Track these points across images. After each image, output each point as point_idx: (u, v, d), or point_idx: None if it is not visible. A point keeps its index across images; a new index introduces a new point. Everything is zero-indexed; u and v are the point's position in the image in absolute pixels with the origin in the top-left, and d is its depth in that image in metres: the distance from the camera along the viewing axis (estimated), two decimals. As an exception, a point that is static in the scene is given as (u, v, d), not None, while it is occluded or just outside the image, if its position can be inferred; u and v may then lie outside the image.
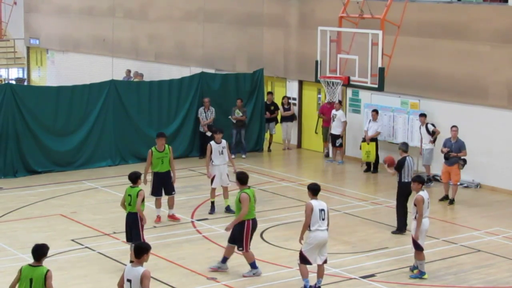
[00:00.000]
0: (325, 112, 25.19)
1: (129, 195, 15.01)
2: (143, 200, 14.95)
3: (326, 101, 24.76)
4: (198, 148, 25.63)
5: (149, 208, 19.28)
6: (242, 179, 14.72)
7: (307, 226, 13.67)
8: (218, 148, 18.75)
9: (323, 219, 13.67)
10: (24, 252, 16.06)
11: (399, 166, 17.36)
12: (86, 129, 23.84)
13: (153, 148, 18.14)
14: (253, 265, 14.73)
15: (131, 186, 15.13)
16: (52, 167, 23.26)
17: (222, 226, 17.99)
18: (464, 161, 20.19)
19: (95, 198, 20.50)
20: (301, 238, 13.89)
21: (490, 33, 21.61)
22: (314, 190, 13.87)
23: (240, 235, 14.50)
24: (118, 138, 24.34)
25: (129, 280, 10.43)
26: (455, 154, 20.09)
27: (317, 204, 13.74)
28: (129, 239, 15.06)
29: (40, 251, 10.76)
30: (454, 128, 20.44)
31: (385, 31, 19.09)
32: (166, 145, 18.27)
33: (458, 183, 20.48)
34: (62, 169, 23.30)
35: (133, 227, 14.91)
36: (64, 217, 18.73)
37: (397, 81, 22.94)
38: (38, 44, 39.37)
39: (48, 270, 10.63)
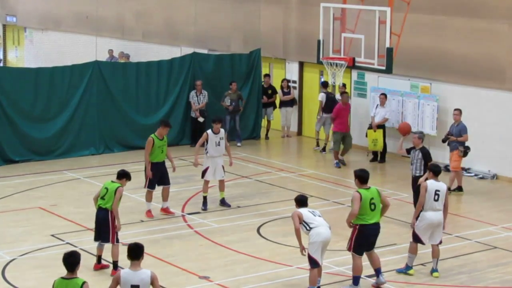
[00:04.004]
0: (340, 115, 23.42)
1: (106, 188, 14.79)
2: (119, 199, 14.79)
3: (341, 101, 23.51)
4: (190, 135, 25.62)
5: (137, 200, 19.28)
6: (361, 176, 14.16)
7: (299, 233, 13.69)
8: (215, 138, 18.60)
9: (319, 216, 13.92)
10: (1, 248, 16.06)
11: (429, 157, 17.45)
12: (67, 115, 23.79)
13: (153, 136, 18.08)
14: (354, 280, 14.12)
15: (112, 180, 14.94)
16: (31, 156, 23.22)
17: (215, 220, 18.04)
18: (466, 147, 20.18)
19: (77, 190, 20.48)
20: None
21: (508, 10, 21.55)
22: (300, 201, 14.05)
23: (349, 239, 14.09)
24: (103, 125, 24.30)
25: (135, 286, 10.43)
26: (454, 138, 20.19)
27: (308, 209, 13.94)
28: (97, 238, 14.87)
29: (72, 260, 10.21)
30: (456, 111, 20.60)
31: (393, 7, 19.04)
32: None
33: (464, 172, 20.64)
34: (41, 158, 23.27)
35: (103, 224, 14.69)
36: (43, 210, 18.71)
37: (407, 63, 22.90)
38: (15, 21, 39.23)
39: (84, 283, 10.12)
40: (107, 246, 14.82)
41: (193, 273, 14.90)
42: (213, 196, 19.22)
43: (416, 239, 14.83)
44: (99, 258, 14.90)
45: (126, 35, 33.33)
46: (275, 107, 27.00)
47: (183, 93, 25.53)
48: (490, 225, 18.00)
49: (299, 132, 27.45)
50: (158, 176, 18.07)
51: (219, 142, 18.61)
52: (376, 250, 15.05)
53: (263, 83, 26.80)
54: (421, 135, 17.86)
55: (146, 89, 25.08)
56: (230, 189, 19.92)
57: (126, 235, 16.24)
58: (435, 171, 14.95)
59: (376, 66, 19.76)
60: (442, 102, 22.78)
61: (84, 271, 14.68)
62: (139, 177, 20.95)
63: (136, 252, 10.58)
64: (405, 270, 14.92)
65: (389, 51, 19.12)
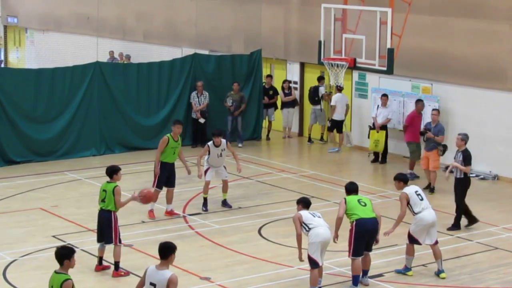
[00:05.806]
0: (413, 123, 22.13)
1: (104, 190, 14.78)
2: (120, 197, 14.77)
3: (415, 109, 22.11)
4: (191, 136, 25.60)
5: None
6: (346, 188, 14.54)
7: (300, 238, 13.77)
8: (217, 151, 18.45)
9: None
10: (2, 249, 16.05)
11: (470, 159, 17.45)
12: (68, 116, 23.77)
13: (169, 136, 18.03)
14: (354, 280, 14.14)
15: (107, 181, 14.93)
16: (32, 156, 23.21)
17: (216, 221, 18.02)
18: (444, 146, 20.30)
19: (78, 191, 20.46)
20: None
21: (509, 11, 21.54)
22: (305, 203, 14.09)
23: (348, 244, 14.18)
24: (104, 125, 24.28)
25: (153, 284, 10.24)
26: (431, 135, 20.23)
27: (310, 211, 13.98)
28: (99, 239, 14.91)
29: (56, 252, 10.37)
30: (434, 111, 20.74)
31: (394, 8, 19.01)
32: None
33: (441, 170, 20.69)
34: (42, 159, 23.26)
35: (105, 226, 14.69)
36: (44, 211, 18.70)
37: (408, 63, 22.88)
38: (16, 22, 39.22)
39: (65, 280, 10.22)
40: (109, 247, 14.81)
41: (194, 274, 14.88)
42: (215, 197, 19.21)
43: (413, 240, 14.86)
44: (100, 259, 14.91)
45: (127, 36, 33.33)
46: (276, 108, 26.99)
47: (184, 94, 25.51)
48: (491, 225, 17.97)
49: (300, 133, 27.43)
50: (165, 176, 18.03)
51: (220, 154, 18.50)
52: (377, 251, 15.09)
53: (264, 84, 26.79)
54: (464, 137, 17.61)
55: (147, 90, 25.06)
56: (231, 190, 19.90)
57: (127, 236, 16.24)
58: (404, 179, 15.10)
59: (377, 67, 19.72)
60: (443, 103, 22.75)
61: (86, 272, 14.75)
62: (140, 177, 21.01)
63: (162, 251, 10.42)
64: (404, 271, 14.93)
65: (390, 51, 19.08)
